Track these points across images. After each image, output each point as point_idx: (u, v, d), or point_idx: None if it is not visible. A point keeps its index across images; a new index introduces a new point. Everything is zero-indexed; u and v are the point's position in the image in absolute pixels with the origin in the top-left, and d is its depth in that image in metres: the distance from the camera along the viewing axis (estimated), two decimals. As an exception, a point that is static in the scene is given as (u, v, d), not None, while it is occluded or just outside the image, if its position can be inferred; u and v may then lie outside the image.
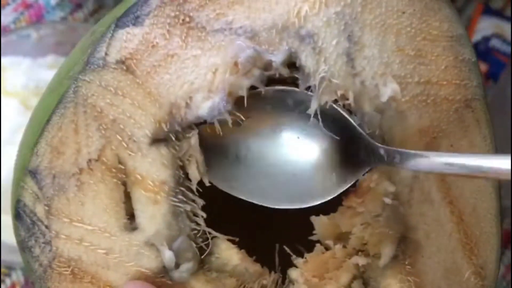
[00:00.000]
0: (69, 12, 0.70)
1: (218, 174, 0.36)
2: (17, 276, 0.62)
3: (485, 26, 0.60)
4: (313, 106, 0.35)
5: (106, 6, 0.69)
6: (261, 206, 0.37)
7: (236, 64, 0.34)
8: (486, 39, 0.60)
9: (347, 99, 0.35)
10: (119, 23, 0.35)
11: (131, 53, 0.35)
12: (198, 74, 0.35)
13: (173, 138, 0.35)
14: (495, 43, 0.60)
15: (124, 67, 0.35)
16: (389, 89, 0.35)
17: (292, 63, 0.35)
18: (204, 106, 0.34)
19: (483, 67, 0.59)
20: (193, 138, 0.35)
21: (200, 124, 0.35)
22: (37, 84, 0.62)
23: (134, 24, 0.35)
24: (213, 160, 0.36)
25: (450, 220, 0.36)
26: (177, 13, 0.35)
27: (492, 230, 0.37)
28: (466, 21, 0.62)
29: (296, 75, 0.35)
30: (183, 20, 0.35)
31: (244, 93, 0.35)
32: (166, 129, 0.34)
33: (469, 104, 0.36)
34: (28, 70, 0.64)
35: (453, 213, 0.36)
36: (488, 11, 0.66)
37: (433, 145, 0.36)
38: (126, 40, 0.35)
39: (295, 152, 0.37)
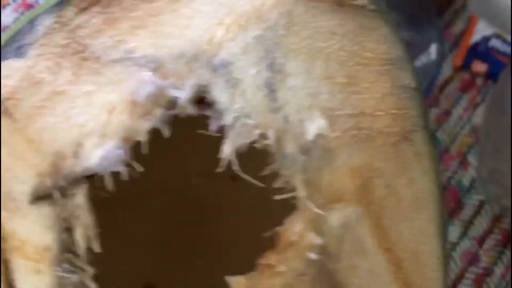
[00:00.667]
0: (70, 12, 0.67)
1: None
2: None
3: (485, 26, 0.57)
4: (227, 151, 0.30)
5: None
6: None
7: (134, 103, 0.29)
8: (486, 39, 0.57)
9: (267, 139, 0.30)
10: None
11: (11, 92, 0.29)
12: (90, 115, 0.29)
13: (58, 195, 0.29)
14: (494, 43, 0.57)
15: (2, 110, 0.29)
16: (315, 126, 0.30)
17: (203, 99, 0.30)
18: (95, 156, 0.29)
19: (483, 67, 0.57)
20: (80, 195, 0.29)
21: (91, 176, 0.30)
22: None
23: (16, 56, 0.30)
24: None
25: (388, 269, 0.31)
26: (69, 40, 0.30)
27: (436, 274, 0.32)
28: (466, 21, 0.59)
29: (207, 113, 0.30)
30: (75, 49, 0.30)
31: (142, 137, 0.29)
32: (49, 184, 0.29)
33: (408, 136, 0.32)
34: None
35: (390, 261, 0.31)
36: (487, 11, 0.63)
37: (367, 186, 0.31)
38: (6, 76, 0.30)
39: None
